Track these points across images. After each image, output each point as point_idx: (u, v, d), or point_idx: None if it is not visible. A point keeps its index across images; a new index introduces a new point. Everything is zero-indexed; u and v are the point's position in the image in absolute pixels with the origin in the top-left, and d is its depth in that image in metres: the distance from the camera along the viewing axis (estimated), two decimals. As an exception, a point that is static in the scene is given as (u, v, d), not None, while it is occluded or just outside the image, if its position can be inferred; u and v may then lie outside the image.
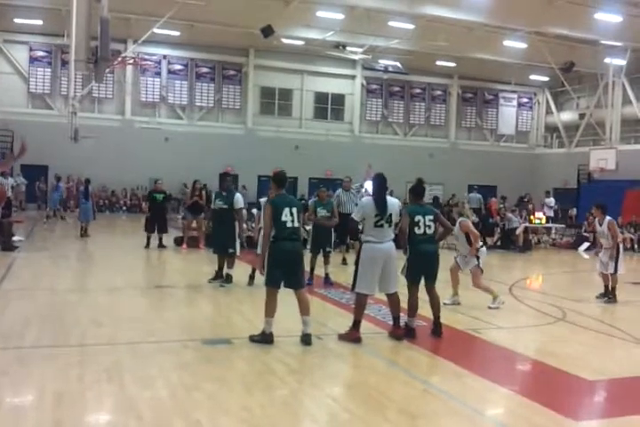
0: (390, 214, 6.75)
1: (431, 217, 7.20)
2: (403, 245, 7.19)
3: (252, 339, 6.55)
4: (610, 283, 10.10)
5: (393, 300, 6.96)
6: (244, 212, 11.30)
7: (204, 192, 15.39)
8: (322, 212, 10.70)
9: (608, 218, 10.17)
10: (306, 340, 6.54)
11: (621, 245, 10.43)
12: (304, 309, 6.61)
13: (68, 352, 6.04)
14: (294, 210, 6.57)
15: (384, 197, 6.85)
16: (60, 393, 4.97)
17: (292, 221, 6.52)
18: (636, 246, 19.20)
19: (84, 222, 16.88)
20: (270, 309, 6.51)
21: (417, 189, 7.37)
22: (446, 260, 8.74)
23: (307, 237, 11.63)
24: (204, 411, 4.67)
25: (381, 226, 6.69)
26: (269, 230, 6.48)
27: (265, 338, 6.51)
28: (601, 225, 10.19)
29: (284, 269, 6.48)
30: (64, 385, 5.15)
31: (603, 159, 26.70)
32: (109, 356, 5.95)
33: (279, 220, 6.47)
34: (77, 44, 9.47)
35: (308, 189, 31.09)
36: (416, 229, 7.10)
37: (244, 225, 13.04)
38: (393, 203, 6.86)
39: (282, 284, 6.53)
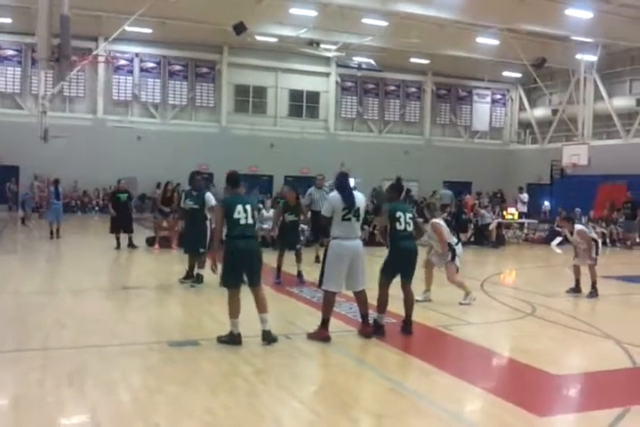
0: (358, 208, 6.72)
1: (410, 215, 7.23)
2: (384, 243, 7.21)
3: (220, 340, 6.47)
4: (586, 276, 10.16)
5: (360, 298, 6.91)
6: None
7: (175, 193, 15.27)
8: (289, 217, 10.73)
9: (577, 227, 10.29)
10: (266, 337, 6.47)
11: (599, 240, 10.59)
12: (261, 306, 6.54)
13: (29, 356, 5.92)
14: (248, 207, 6.53)
15: (350, 190, 6.82)
16: (19, 398, 4.87)
17: (246, 218, 6.47)
18: (607, 241, 19.38)
19: (55, 223, 16.63)
20: (234, 309, 6.43)
21: (397, 187, 7.45)
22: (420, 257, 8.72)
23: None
24: (165, 414, 4.59)
25: (349, 219, 6.65)
26: (220, 229, 6.49)
27: (232, 339, 6.43)
28: (572, 235, 10.32)
29: (239, 268, 6.42)
30: (23, 390, 5.04)
31: (575, 155, 26.95)
32: (72, 360, 5.83)
33: (232, 217, 6.42)
34: (40, 42, 9.29)
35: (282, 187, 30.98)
36: (397, 225, 7.10)
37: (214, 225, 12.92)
38: (360, 197, 6.85)
39: (241, 282, 6.47)
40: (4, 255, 13.50)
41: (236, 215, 6.42)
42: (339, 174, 7.07)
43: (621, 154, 28.32)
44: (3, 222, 21.26)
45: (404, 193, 7.85)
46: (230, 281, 6.44)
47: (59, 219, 16.71)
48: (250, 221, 6.50)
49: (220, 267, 6.53)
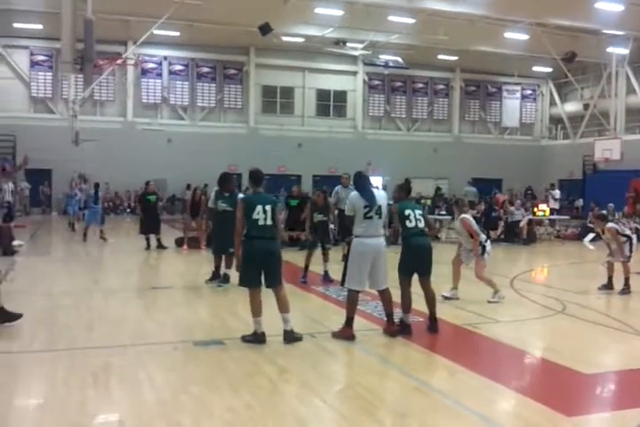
0: (380, 206, 6.69)
1: (420, 211, 7.24)
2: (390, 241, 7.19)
3: (244, 339, 6.48)
4: (619, 273, 9.97)
5: (385, 296, 6.87)
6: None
7: (203, 197, 15.38)
8: (318, 217, 10.75)
9: (608, 225, 10.10)
10: (287, 337, 6.46)
11: (634, 236, 10.37)
12: (282, 306, 6.53)
13: (56, 356, 5.99)
14: (268, 207, 6.46)
15: (369, 188, 6.82)
16: (45, 397, 4.93)
17: (265, 219, 6.41)
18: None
19: (98, 226, 16.81)
20: (255, 308, 6.43)
21: (404, 187, 7.50)
22: (444, 253, 8.68)
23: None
24: (189, 414, 4.59)
25: (371, 218, 6.63)
26: (241, 228, 6.45)
27: (257, 338, 6.43)
28: (604, 233, 10.14)
29: (258, 268, 6.40)
30: (49, 389, 5.10)
31: (607, 149, 26.44)
32: (97, 359, 5.88)
33: (250, 217, 6.39)
34: (64, 45, 9.41)
35: (311, 186, 31.00)
36: (407, 223, 7.10)
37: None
38: (381, 195, 6.85)
39: (259, 283, 6.47)
40: (36, 257, 13.73)
41: (255, 216, 6.38)
42: (355, 174, 7.07)
43: (655, 148, 27.74)
44: (37, 224, 21.62)
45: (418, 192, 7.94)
46: (248, 281, 6.45)
47: (98, 222, 16.87)
48: (269, 222, 6.43)
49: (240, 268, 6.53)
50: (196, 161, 28.39)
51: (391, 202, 7.66)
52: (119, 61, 26.48)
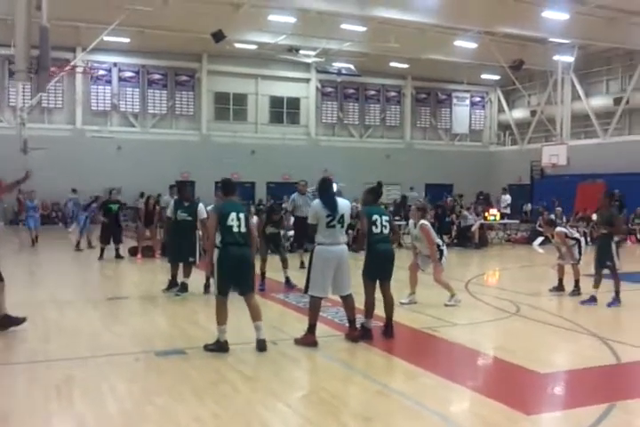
0: (342, 215, 6.74)
1: (387, 218, 7.30)
2: (359, 246, 7.22)
3: (207, 348, 6.46)
4: (569, 275, 10.27)
5: (348, 302, 6.95)
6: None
7: (157, 206, 15.28)
8: (270, 229, 10.83)
9: (557, 230, 10.48)
10: (260, 346, 6.48)
11: (583, 239, 10.75)
12: (255, 314, 6.56)
13: (15, 370, 5.88)
14: (241, 215, 6.55)
15: (332, 196, 6.84)
16: (7, 412, 4.83)
17: (239, 226, 6.48)
18: (589, 240, 19.55)
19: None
20: (221, 316, 6.44)
21: (376, 191, 7.56)
22: (401, 259, 8.79)
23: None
24: (154, 424, 4.58)
25: (333, 226, 6.68)
26: (214, 236, 6.48)
27: (220, 346, 6.43)
28: (554, 238, 10.49)
29: (232, 275, 6.44)
30: (12, 403, 5.01)
31: (554, 155, 27.21)
32: (58, 372, 5.79)
33: (225, 225, 6.44)
34: (18, 53, 9.23)
35: (265, 193, 31.01)
36: (374, 228, 7.15)
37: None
38: (343, 204, 6.86)
39: (230, 290, 6.49)
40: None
41: (229, 222, 6.43)
42: (320, 180, 7.09)
43: (600, 153, 28.70)
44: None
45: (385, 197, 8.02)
46: (221, 287, 6.45)
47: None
48: (243, 229, 6.50)
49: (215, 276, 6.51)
50: (148, 169, 28.06)
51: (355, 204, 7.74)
52: (68, 68, 25.99)
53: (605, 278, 9.40)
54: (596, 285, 9.31)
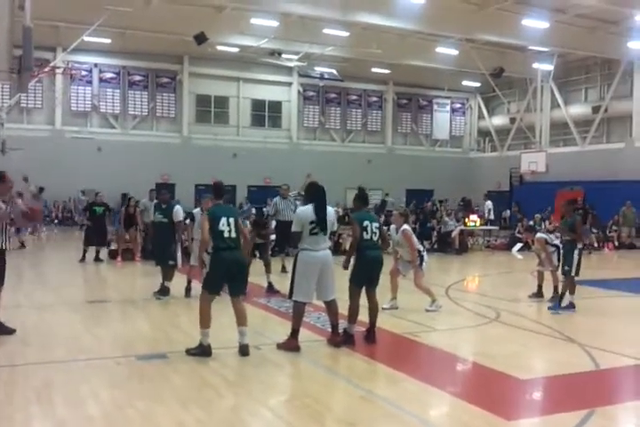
0: (326, 222, 6.74)
1: (377, 224, 7.33)
2: (349, 254, 7.19)
3: (190, 352, 6.43)
4: (548, 281, 10.37)
5: (331, 308, 6.96)
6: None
7: (137, 209, 15.20)
8: (258, 240, 10.95)
9: (537, 235, 10.62)
10: (243, 350, 6.47)
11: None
12: (241, 319, 6.56)
13: (-6, 374, 5.80)
14: (231, 220, 6.57)
15: (324, 204, 6.82)
16: (-15, 417, 4.77)
17: (230, 231, 6.51)
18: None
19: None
20: (205, 319, 6.43)
21: (362, 197, 7.58)
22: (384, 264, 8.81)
23: None
24: (137, 429, 4.55)
25: (316, 234, 6.68)
26: (207, 240, 6.48)
27: (203, 350, 6.40)
28: (534, 244, 10.61)
29: (225, 277, 6.47)
30: (-11, 408, 4.94)
31: (533, 162, 27.50)
32: (38, 375, 5.74)
33: (217, 230, 6.45)
34: (0, 53, 9.15)
35: (246, 197, 30.93)
36: (364, 235, 7.17)
37: (183, 236, 12.88)
38: (329, 211, 6.88)
39: (220, 289, 6.55)
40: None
41: (220, 227, 6.46)
42: (312, 184, 7.08)
43: (578, 161, 29.09)
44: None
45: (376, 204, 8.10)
46: (212, 286, 6.46)
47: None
48: (233, 234, 6.53)
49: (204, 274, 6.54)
50: (128, 170, 27.88)
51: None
52: (48, 68, 25.73)
53: (582, 285, 9.50)
54: (571, 290, 9.41)
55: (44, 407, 4.96)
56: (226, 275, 6.45)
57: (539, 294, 10.46)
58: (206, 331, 6.42)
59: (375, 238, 7.24)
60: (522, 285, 12.48)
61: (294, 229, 6.78)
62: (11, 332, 7.16)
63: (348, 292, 7.20)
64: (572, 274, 9.37)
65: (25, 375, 5.76)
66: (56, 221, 27.98)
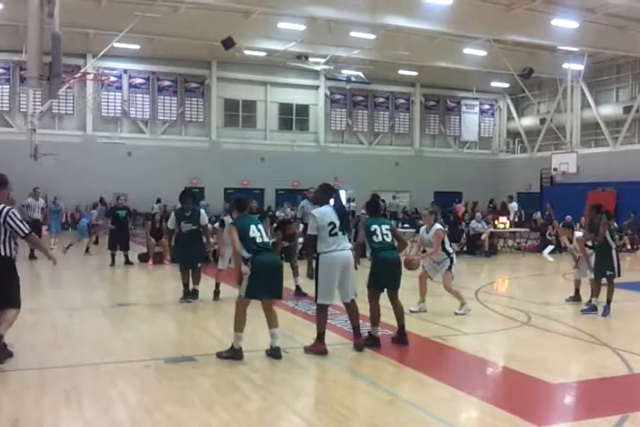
0: (346, 223, 6.82)
1: (387, 226, 7.35)
2: (357, 257, 7.20)
3: (221, 356, 6.43)
4: (585, 285, 10.13)
5: (351, 309, 6.92)
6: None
7: (164, 223, 15.36)
8: (285, 244, 11.22)
9: (577, 234, 10.40)
10: (274, 354, 6.46)
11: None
12: (273, 321, 6.57)
13: (25, 376, 5.87)
14: (260, 226, 6.66)
15: (342, 204, 6.95)
16: (17, 418, 4.82)
17: (261, 236, 6.59)
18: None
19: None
20: (240, 322, 6.44)
21: (372, 204, 7.71)
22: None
23: None
24: (164, 432, 4.56)
25: (336, 234, 6.68)
26: (239, 250, 6.48)
27: (234, 354, 6.41)
28: (571, 243, 10.40)
29: (265, 281, 6.45)
30: (21, 410, 4.99)
31: (564, 163, 27.13)
32: (67, 378, 5.79)
33: (247, 237, 6.51)
34: (30, 60, 9.30)
35: (274, 200, 31.03)
36: (374, 238, 7.20)
37: (212, 240, 12.95)
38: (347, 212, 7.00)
39: (265, 295, 6.56)
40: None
41: (251, 234, 6.53)
42: (328, 187, 7.12)
43: (610, 161, 28.61)
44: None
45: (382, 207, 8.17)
46: (251, 292, 6.44)
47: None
48: (265, 239, 6.63)
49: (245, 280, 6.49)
50: (158, 175, 28.18)
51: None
52: (79, 75, 26.15)
53: (616, 288, 9.31)
54: (596, 294, 9.23)
55: (73, 410, 4.99)
56: (267, 278, 6.46)
57: (576, 297, 10.20)
58: (240, 334, 6.43)
59: (388, 240, 7.23)
60: (553, 288, 12.31)
61: (310, 232, 6.80)
62: (7, 356, 6.28)
63: (367, 295, 7.18)
64: (617, 276, 9.17)
65: (54, 378, 5.81)
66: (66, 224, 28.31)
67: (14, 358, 6.44)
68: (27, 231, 6.32)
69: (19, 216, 6.35)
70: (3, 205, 6.27)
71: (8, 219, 6.19)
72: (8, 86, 28.52)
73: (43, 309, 9.39)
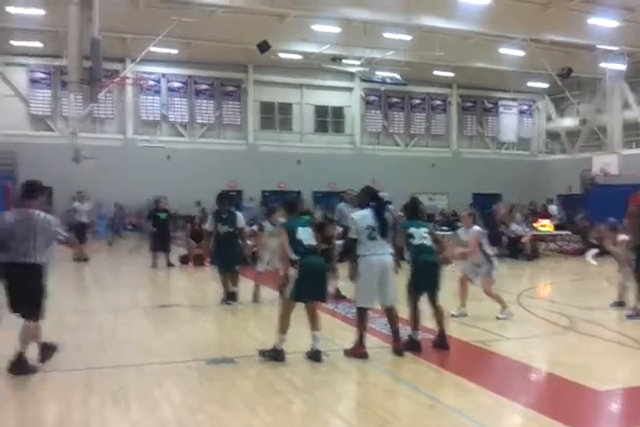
0: (385, 226, 6.79)
1: (426, 229, 7.32)
2: (397, 261, 7.17)
3: (264, 355, 6.49)
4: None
5: (391, 314, 6.90)
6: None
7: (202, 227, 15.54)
8: (322, 246, 10.95)
9: (621, 237, 10.11)
10: (315, 356, 6.49)
11: None
12: (315, 323, 6.60)
13: (72, 376, 5.99)
14: (307, 229, 6.74)
15: (382, 208, 6.92)
16: (64, 419, 4.93)
17: (309, 239, 6.66)
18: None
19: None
20: (284, 325, 6.50)
21: (411, 207, 7.71)
22: (451, 269, 8.71)
23: None
24: (208, 434, 4.61)
25: (375, 238, 6.68)
26: (287, 251, 6.58)
27: (276, 355, 6.46)
28: (615, 245, 10.17)
29: (311, 284, 6.51)
30: (69, 410, 5.10)
31: (606, 164, 26.62)
32: (114, 379, 5.89)
33: (295, 239, 6.58)
34: (70, 65, 9.51)
35: (312, 202, 31.06)
36: (412, 241, 7.17)
37: (250, 242, 13.02)
38: (386, 215, 6.99)
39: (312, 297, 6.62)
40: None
41: (299, 236, 6.61)
42: (364, 189, 7.14)
43: (653, 162, 27.93)
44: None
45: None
46: (298, 295, 6.49)
47: None
48: (312, 242, 6.69)
49: (291, 282, 6.55)
50: (196, 178, 28.44)
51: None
52: (118, 79, 26.59)
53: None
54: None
55: (119, 411, 5.08)
56: (313, 281, 6.51)
57: (620, 302, 9.98)
58: (283, 336, 6.48)
59: (427, 243, 7.20)
60: (597, 292, 12.09)
61: (350, 235, 6.83)
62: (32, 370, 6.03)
63: (407, 298, 7.16)
64: None
65: (101, 379, 5.92)
66: (129, 227, 28.78)
67: (60, 358, 6.57)
68: (67, 236, 6.34)
69: (57, 222, 6.30)
70: (40, 212, 6.19)
71: (46, 224, 6.09)
72: (49, 91, 29.11)
73: (88, 310, 9.60)
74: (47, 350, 6.29)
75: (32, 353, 6.14)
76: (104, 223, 21.74)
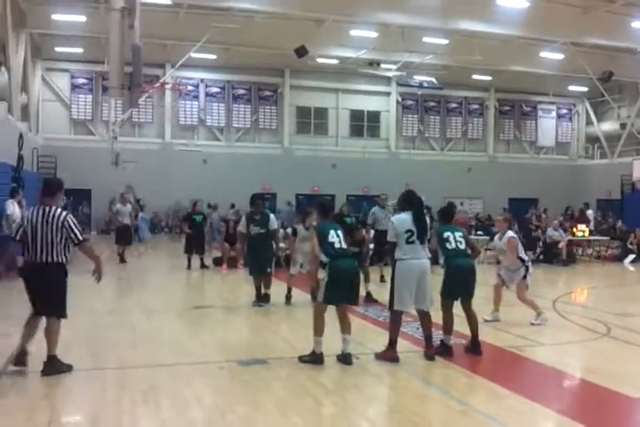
0: (423, 231, 6.74)
1: (460, 234, 7.30)
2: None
3: (302, 360, 6.52)
4: None
5: (424, 318, 6.87)
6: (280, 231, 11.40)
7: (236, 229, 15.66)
8: (354, 249, 10.97)
9: None
10: (345, 359, 6.49)
11: None
12: (346, 327, 6.60)
13: (105, 375, 6.10)
14: (339, 232, 6.74)
15: (422, 212, 6.87)
16: (97, 416, 5.02)
17: (340, 242, 6.67)
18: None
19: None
20: (319, 328, 6.52)
21: (447, 212, 7.67)
22: (484, 274, 8.64)
23: None
24: (238, 434, 4.65)
25: (413, 242, 6.66)
26: (318, 253, 6.60)
27: (316, 358, 6.48)
28: None
29: (343, 287, 6.53)
30: (101, 408, 5.19)
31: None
32: (145, 378, 5.98)
33: (327, 241, 6.62)
34: (112, 71, 9.71)
35: (288, 201, 30.93)
36: (447, 245, 7.17)
37: (283, 245, 13.11)
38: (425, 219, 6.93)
39: (344, 300, 6.63)
40: (78, 275, 13.96)
41: (330, 239, 6.65)
42: (410, 193, 7.08)
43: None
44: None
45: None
46: (331, 298, 6.52)
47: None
48: (343, 245, 6.71)
49: (322, 286, 6.58)
50: (232, 181, 28.65)
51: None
52: (158, 84, 27.01)
53: None
54: None
55: (150, 410, 5.15)
56: (344, 283, 6.53)
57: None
58: (319, 339, 6.50)
59: (462, 247, 7.18)
60: (634, 298, 11.84)
61: (389, 239, 6.81)
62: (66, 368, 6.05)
63: (441, 303, 7.11)
64: None
65: (133, 378, 6.01)
66: (166, 229, 29.21)
67: (96, 356, 6.71)
68: (80, 239, 6.11)
69: (75, 222, 6.20)
70: (59, 210, 6.17)
71: (66, 223, 6.05)
72: (91, 96, 29.74)
73: (123, 310, 9.74)
74: (22, 358, 6.05)
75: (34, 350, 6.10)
76: (145, 226, 22.09)
